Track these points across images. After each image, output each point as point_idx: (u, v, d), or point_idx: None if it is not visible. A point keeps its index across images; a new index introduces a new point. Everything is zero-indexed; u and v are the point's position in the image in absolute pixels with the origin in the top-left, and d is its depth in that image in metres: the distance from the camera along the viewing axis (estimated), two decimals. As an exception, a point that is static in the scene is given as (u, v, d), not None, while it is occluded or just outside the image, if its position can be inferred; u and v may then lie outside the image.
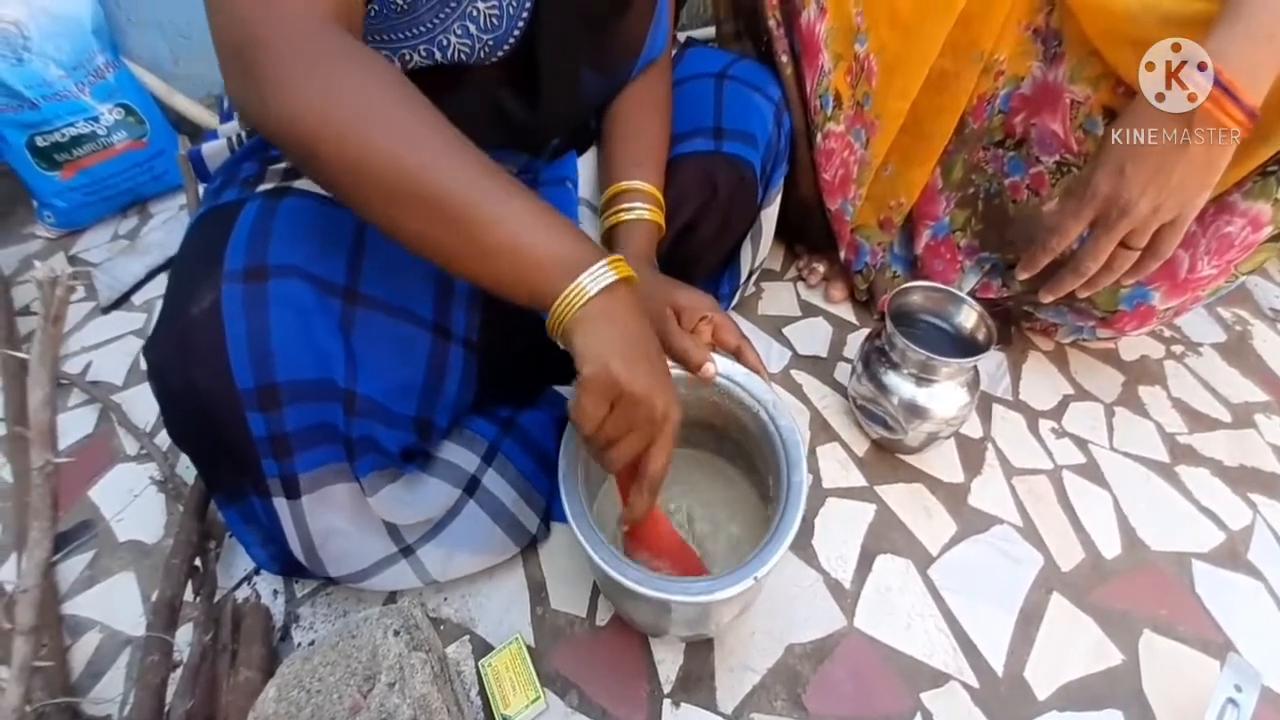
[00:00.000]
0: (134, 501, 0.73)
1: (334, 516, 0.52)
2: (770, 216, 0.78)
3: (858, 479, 0.74)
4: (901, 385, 0.68)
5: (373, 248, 0.53)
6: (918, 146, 0.76)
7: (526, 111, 0.58)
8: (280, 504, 0.50)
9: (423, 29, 0.48)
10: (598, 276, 0.40)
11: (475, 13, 0.48)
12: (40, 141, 1.00)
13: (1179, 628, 0.64)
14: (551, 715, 0.57)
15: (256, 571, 0.66)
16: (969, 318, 0.70)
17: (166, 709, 0.54)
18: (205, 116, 1.18)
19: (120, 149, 1.06)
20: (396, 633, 0.51)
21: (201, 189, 0.64)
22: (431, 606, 0.64)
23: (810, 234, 0.92)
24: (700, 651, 0.61)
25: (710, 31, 1.28)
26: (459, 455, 0.61)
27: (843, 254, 0.88)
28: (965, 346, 0.69)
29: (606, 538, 0.48)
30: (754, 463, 0.61)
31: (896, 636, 0.62)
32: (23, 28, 0.95)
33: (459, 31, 0.49)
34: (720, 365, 0.56)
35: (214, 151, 0.60)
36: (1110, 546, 0.69)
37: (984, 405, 0.81)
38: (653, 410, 0.41)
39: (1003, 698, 0.59)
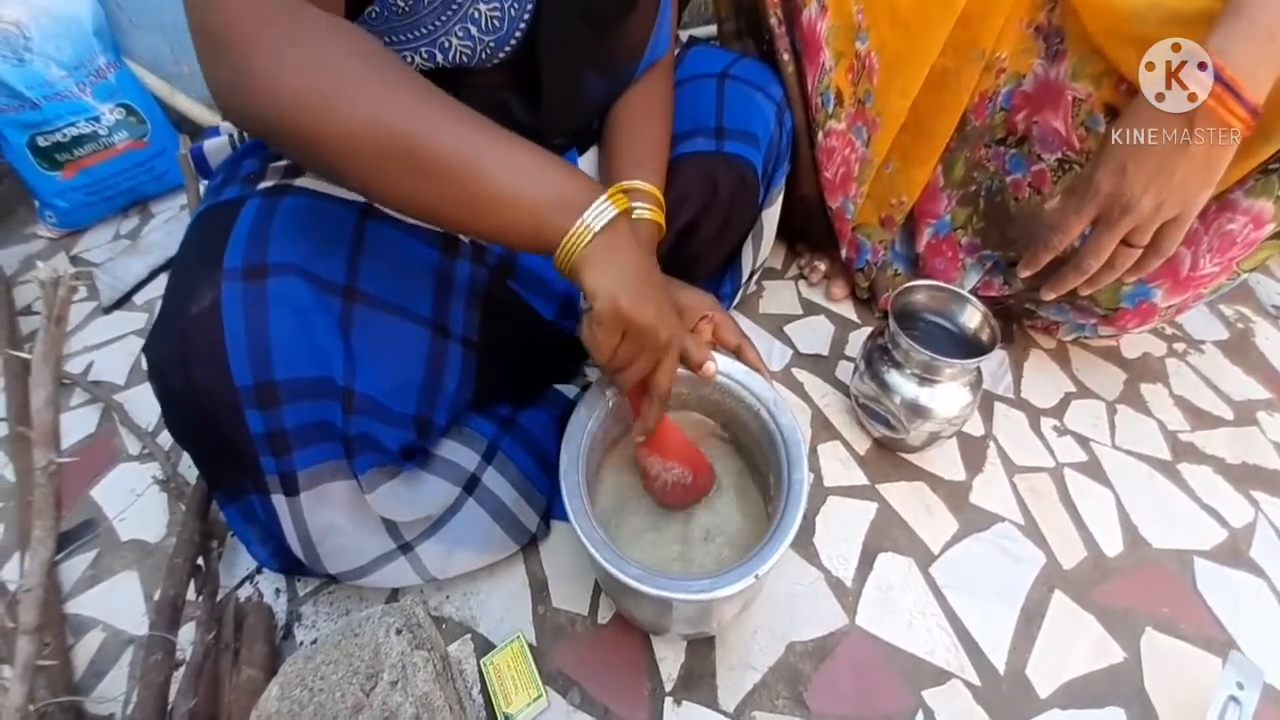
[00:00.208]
0: (136, 501, 0.73)
1: (332, 513, 0.52)
2: (772, 216, 0.78)
3: (859, 477, 0.74)
4: (904, 384, 0.67)
5: (372, 246, 0.53)
6: (919, 144, 0.76)
7: (529, 114, 0.57)
8: (279, 501, 0.50)
9: (424, 31, 0.48)
10: (600, 212, 0.41)
11: (477, 15, 0.48)
12: (41, 141, 1.00)
13: (1181, 625, 0.63)
14: (553, 713, 0.57)
15: (259, 570, 0.66)
16: (972, 317, 0.70)
17: (169, 708, 0.54)
18: (206, 116, 1.18)
19: (121, 149, 1.06)
20: (399, 631, 0.51)
21: (203, 187, 0.64)
22: (433, 605, 0.64)
23: (811, 232, 0.92)
24: (701, 649, 0.61)
25: (711, 30, 1.28)
26: (458, 453, 0.61)
27: (844, 252, 0.88)
28: (968, 346, 0.69)
29: (607, 535, 0.48)
30: (755, 461, 0.61)
31: (898, 635, 0.62)
32: (24, 28, 0.95)
33: (460, 34, 0.49)
34: (721, 364, 0.56)
35: (216, 148, 0.60)
36: (1112, 544, 0.69)
37: (986, 403, 0.81)
38: (658, 337, 0.45)
39: (1004, 696, 0.59)
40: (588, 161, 0.68)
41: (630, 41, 0.61)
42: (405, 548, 0.57)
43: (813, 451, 0.76)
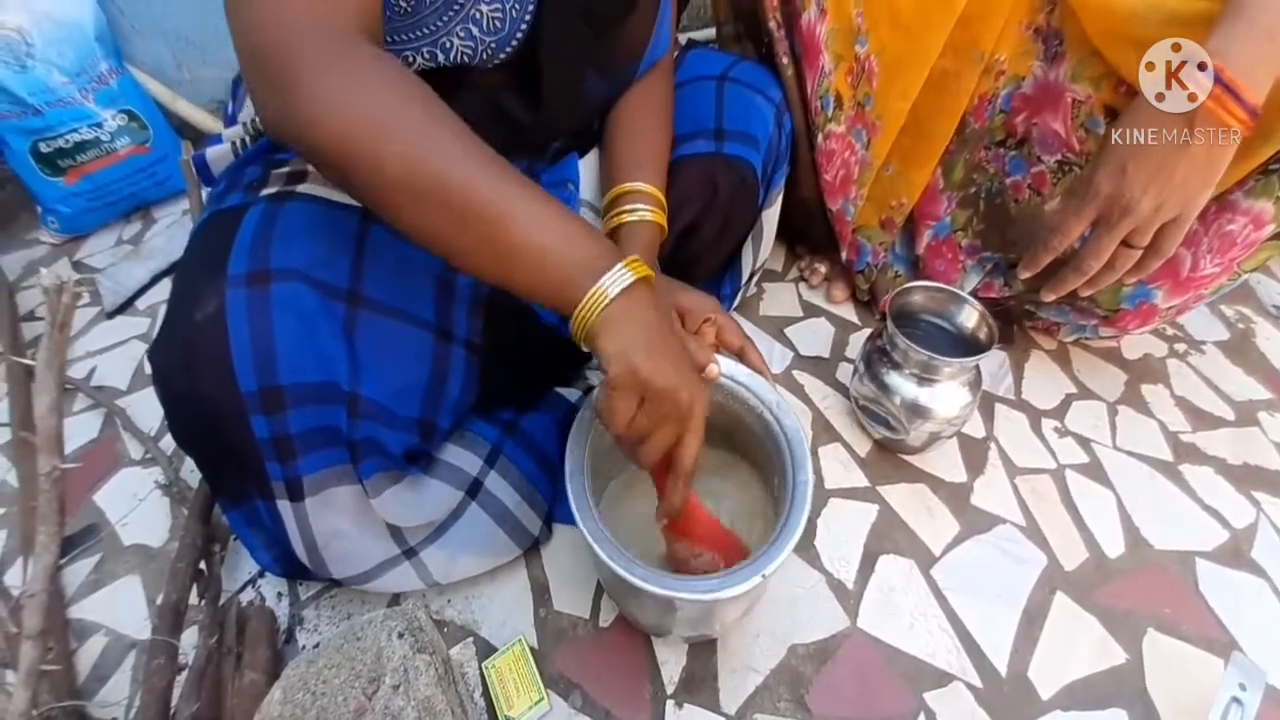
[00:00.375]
0: (139, 505, 0.73)
1: (337, 518, 0.52)
2: (771, 218, 0.78)
3: (860, 479, 0.74)
4: (903, 385, 0.68)
5: (375, 250, 0.53)
6: (919, 147, 0.76)
7: (529, 114, 0.58)
8: (284, 506, 0.50)
9: (426, 31, 0.48)
10: (618, 278, 0.40)
11: (478, 15, 0.48)
12: (44, 147, 1.00)
13: (1183, 626, 0.63)
14: (555, 716, 0.57)
15: (261, 574, 0.67)
16: (970, 317, 0.70)
17: (172, 712, 0.55)
18: (208, 122, 1.18)
19: (124, 154, 1.07)
20: (401, 635, 0.51)
21: (205, 193, 0.65)
22: (435, 608, 0.64)
23: (812, 235, 0.92)
24: (703, 652, 0.61)
25: (711, 33, 1.28)
26: (461, 457, 0.61)
27: (844, 254, 0.88)
28: (967, 346, 0.69)
29: (612, 537, 0.48)
30: (758, 463, 0.61)
31: (899, 637, 0.62)
32: (26, 34, 0.95)
33: (462, 34, 0.49)
34: (724, 366, 0.56)
35: (218, 156, 0.60)
36: (1114, 545, 0.69)
37: (986, 405, 0.81)
38: (679, 403, 0.42)
39: (1006, 698, 0.59)
40: (589, 163, 0.68)
41: (630, 41, 0.61)
42: (409, 553, 0.57)
43: (813, 454, 0.76)
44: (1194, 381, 0.86)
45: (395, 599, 0.64)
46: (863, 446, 0.77)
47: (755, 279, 0.88)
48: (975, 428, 0.79)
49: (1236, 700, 0.51)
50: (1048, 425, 0.80)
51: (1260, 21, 0.50)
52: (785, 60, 0.73)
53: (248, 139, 0.58)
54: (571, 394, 0.74)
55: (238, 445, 0.47)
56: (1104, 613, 0.64)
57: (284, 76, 0.38)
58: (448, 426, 0.59)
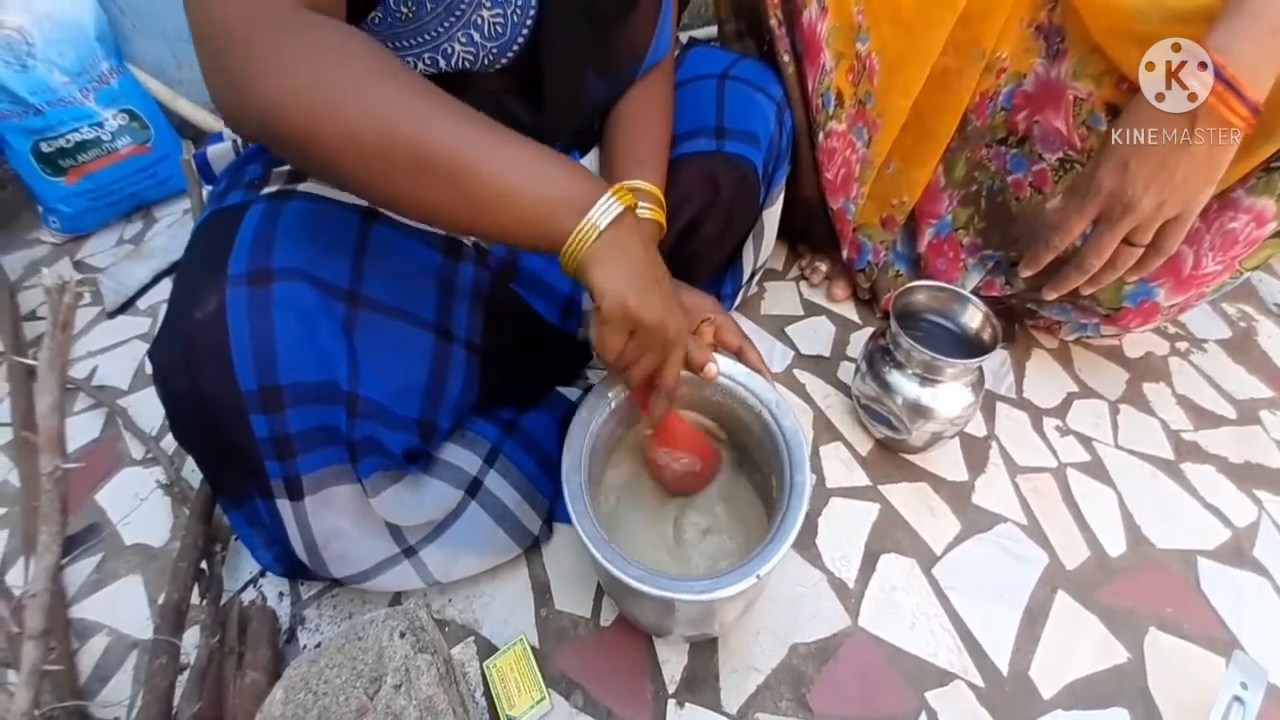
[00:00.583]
0: (140, 505, 0.74)
1: (337, 518, 0.52)
2: (772, 216, 0.78)
3: (861, 478, 0.74)
4: (906, 385, 0.67)
5: (375, 250, 0.53)
6: (920, 145, 0.76)
7: (531, 116, 0.58)
8: (284, 505, 0.50)
9: (427, 37, 0.48)
10: (606, 209, 0.41)
11: (480, 20, 0.48)
12: (45, 147, 1.00)
13: (1184, 625, 0.63)
14: (556, 716, 0.57)
15: (262, 574, 0.67)
16: (974, 317, 0.70)
17: (174, 712, 0.55)
18: (209, 121, 1.18)
19: (125, 154, 1.07)
20: (402, 634, 0.51)
21: (206, 191, 0.65)
22: (436, 608, 0.64)
23: (813, 233, 0.92)
24: (704, 652, 0.61)
25: (712, 31, 1.27)
26: (460, 457, 0.61)
27: (845, 253, 0.88)
28: (970, 346, 0.69)
29: (609, 538, 0.48)
30: (757, 463, 0.61)
31: (901, 636, 0.62)
32: (26, 34, 0.96)
33: (463, 39, 0.49)
34: (722, 365, 0.56)
35: (219, 154, 0.60)
36: (1115, 544, 0.69)
37: (988, 403, 0.81)
38: (666, 333, 0.45)
39: (1008, 696, 0.59)
40: (589, 162, 0.68)
41: (632, 42, 0.61)
42: (409, 551, 0.57)
43: (815, 453, 0.76)
44: (1196, 380, 0.86)
45: (397, 598, 0.64)
46: (864, 446, 0.77)
47: (756, 278, 0.88)
48: (977, 427, 0.79)
49: (1238, 699, 0.51)
50: (1049, 424, 0.80)
51: (1262, 18, 0.49)
52: (786, 58, 0.73)
53: (248, 138, 0.58)
54: (571, 393, 0.74)
55: (237, 444, 0.47)
56: (1105, 611, 0.64)
57: (234, 51, 0.37)
58: (447, 426, 0.59)
